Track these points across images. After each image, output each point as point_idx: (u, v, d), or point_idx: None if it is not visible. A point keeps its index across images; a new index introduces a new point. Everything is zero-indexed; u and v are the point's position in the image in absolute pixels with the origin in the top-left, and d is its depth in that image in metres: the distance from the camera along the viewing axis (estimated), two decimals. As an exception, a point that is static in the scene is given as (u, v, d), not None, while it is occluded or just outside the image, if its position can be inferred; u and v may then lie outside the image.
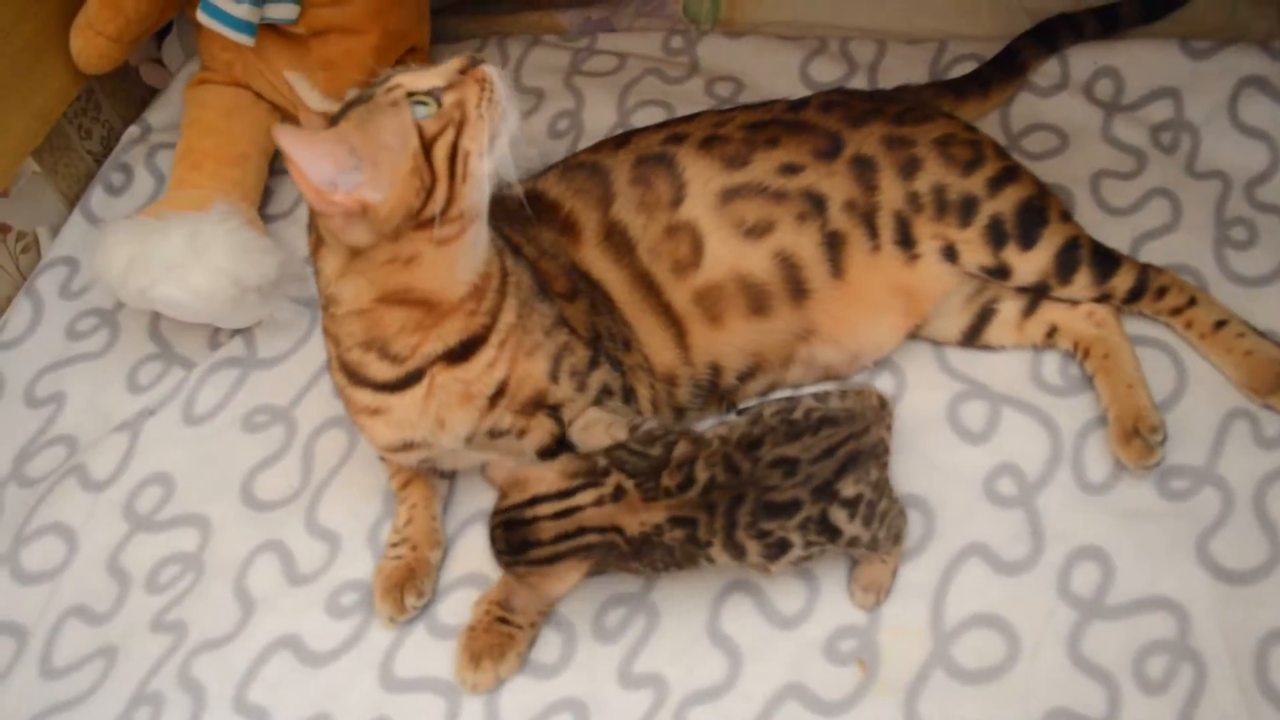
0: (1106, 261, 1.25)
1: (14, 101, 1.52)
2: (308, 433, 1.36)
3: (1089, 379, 1.24)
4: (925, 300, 1.26)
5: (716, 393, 1.25)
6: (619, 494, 1.04)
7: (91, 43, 1.53)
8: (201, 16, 1.48)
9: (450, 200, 1.00)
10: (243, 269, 1.34)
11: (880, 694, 1.08)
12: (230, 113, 1.56)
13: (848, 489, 1.04)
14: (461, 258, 1.05)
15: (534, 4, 1.79)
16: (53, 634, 1.24)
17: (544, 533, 1.02)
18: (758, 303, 1.22)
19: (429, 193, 0.99)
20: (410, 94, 1.00)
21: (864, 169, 1.23)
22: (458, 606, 1.19)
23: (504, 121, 1.02)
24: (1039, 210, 1.24)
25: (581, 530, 1.02)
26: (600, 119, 1.62)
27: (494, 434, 1.13)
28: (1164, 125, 1.46)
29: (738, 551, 1.05)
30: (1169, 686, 1.05)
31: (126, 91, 1.75)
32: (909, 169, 1.23)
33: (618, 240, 1.23)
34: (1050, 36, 1.53)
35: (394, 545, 1.22)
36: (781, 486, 1.04)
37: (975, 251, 1.23)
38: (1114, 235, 1.30)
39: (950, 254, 1.24)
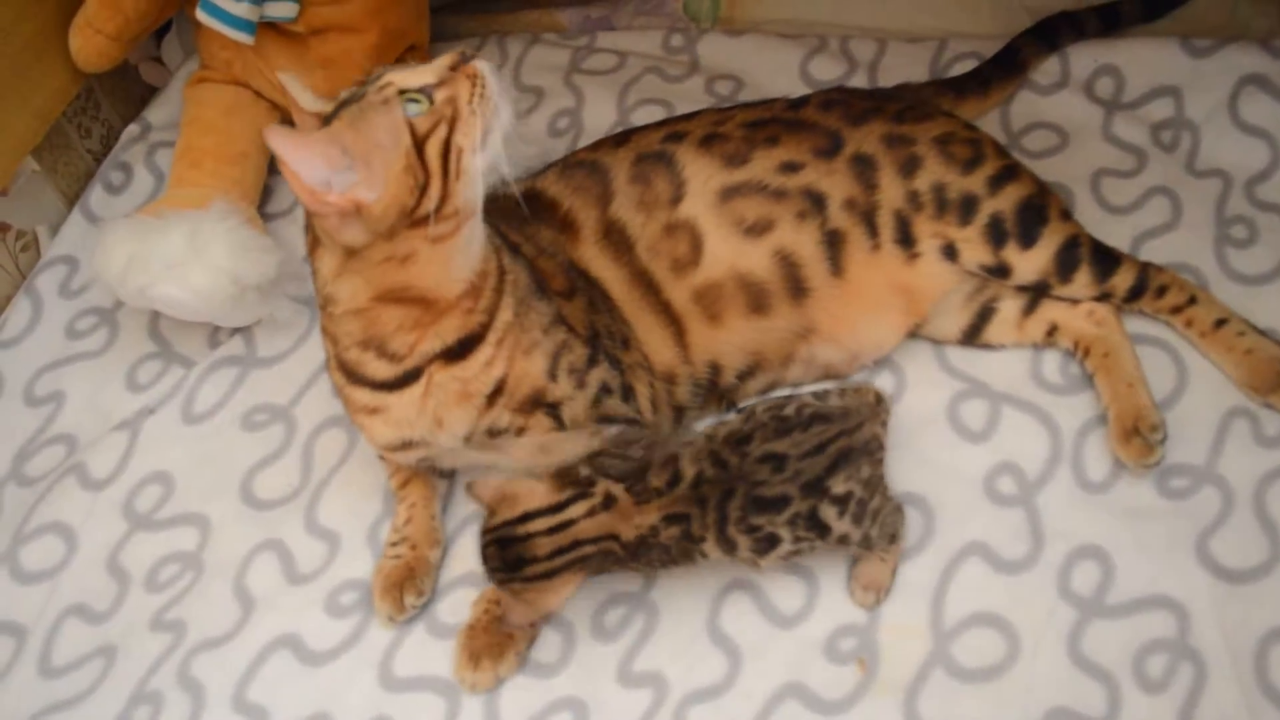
0: (1107, 260, 1.25)
1: (13, 100, 1.52)
2: (307, 432, 1.36)
3: (1089, 378, 1.24)
4: (925, 299, 1.26)
5: (716, 391, 1.25)
6: (610, 502, 1.03)
7: (91, 41, 1.53)
8: (201, 15, 1.48)
9: (444, 197, 1.00)
10: (242, 267, 1.34)
11: (880, 693, 1.08)
12: (230, 111, 1.55)
13: (838, 486, 1.04)
14: (457, 255, 1.05)
15: (533, 2, 1.79)
16: (52, 633, 1.24)
17: (539, 549, 1.01)
18: (757, 301, 1.22)
19: (423, 190, 0.99)
20: (401, 91, 1.00)
21: (864, 167, 1.23)
22: (457, 605, 1.19)
23: (496, 117, 1.02)
24: (1039, 209, 1.24)
25: (577, 543, 1.02)
26: (600, 117, 1.62)
27: (492, 432, 1.13)
28: (1164, 123, 1.46)
29: (729, 547, 1.05)
30: (1169, 686, 1.05)
31: (126, 90, 1.75)
32: (909, 167, 1.23)
33: (617, 238, 1.23)
34: (1051, 35, 1.53)
35: (393, 544, 1.22)
36: (770, 482, 1.04)
37: (975, 250, 1.23)
38: (1114, 234, 1.30)
39: (950, 253, 1.23)
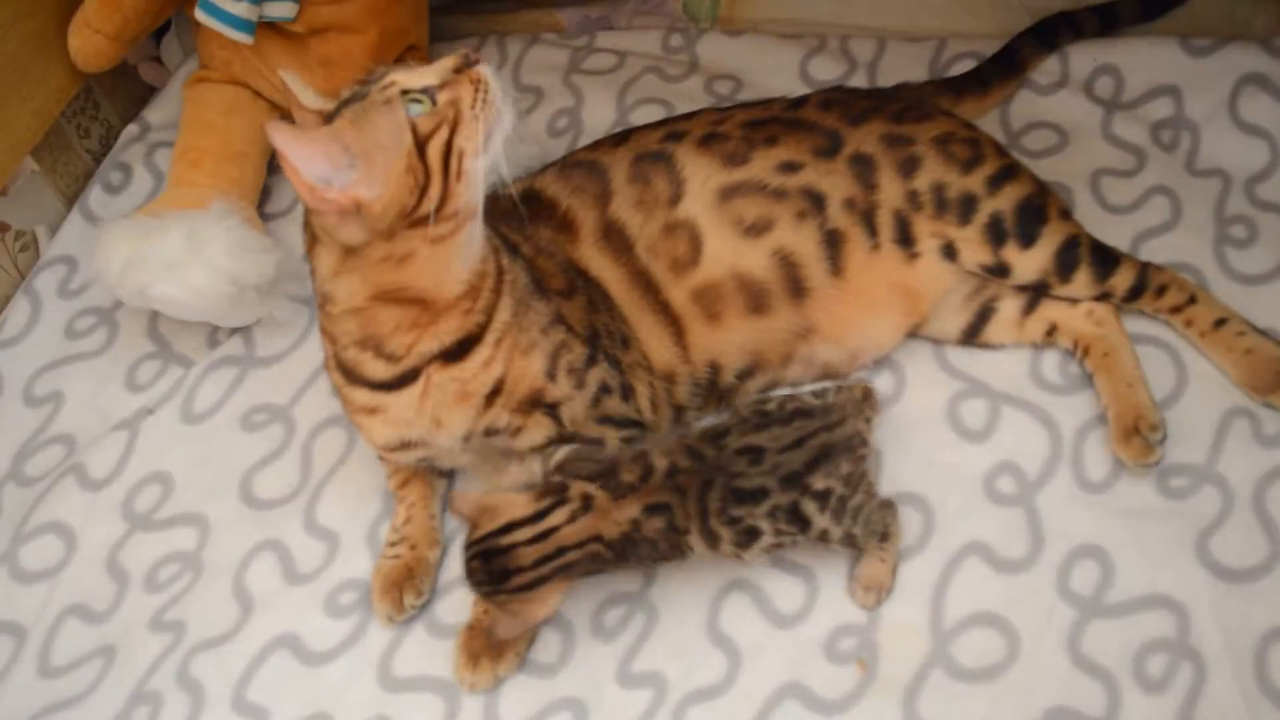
0: (1106, 260, 1.25)
1: (12, 100, 1.52)
2: (306, 431, 1.36)
3: (1089, 377, 1.24)
4: (925, 299, 1.25)
5: (716, 391, 1.25)
6: (588, 503, 1.03)
7: (90, 41, 1.52)
8: (200, 14, 1.48)
9: (444, 198, 1.00)
10: (241, 267, 1.34)
11: (880, 693, 1.08)
12: (229, 111, 1.55)
13: (818, 483, 1.05)
14: (456, 256, 1.05)
15: (533, 2, 1.79)
16: (51, 633, 1.24)
17: (524, 559, 1.02)
18: (756, 301, 1.22)
19: (423, 190, 0.99)
20: (405, 91, 1.00)
21: (863, 167, 1.23)
22: (456, 606, 1.19)
23: (499, 121, 1.02)
24: (1038, 208, 1.24)
25: (561, 550, 1.02)
26: (599, 117, 1.62)
27: (491, 433, 1.13)
28: (1164, 123, 1.46)
29: (712, 539, 1.05)
30: (1169, 685, 1.05)
31: (125, 90, 1.75)
32: (908, 167, 1.23)
33: (616, 238, 1.22)
34: (1050, 34, 1.53)
35: (392, 544, 1.22)
36: (748, 473, 1.05)
37: (975, 250, 1.23)
38: (1114, 233, 1.30)
39: (950, 252, 1.23)
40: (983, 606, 1.11)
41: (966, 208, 1.22)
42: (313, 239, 1.05)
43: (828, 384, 1.20)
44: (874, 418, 1.12)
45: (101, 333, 1.49)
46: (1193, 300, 1.24)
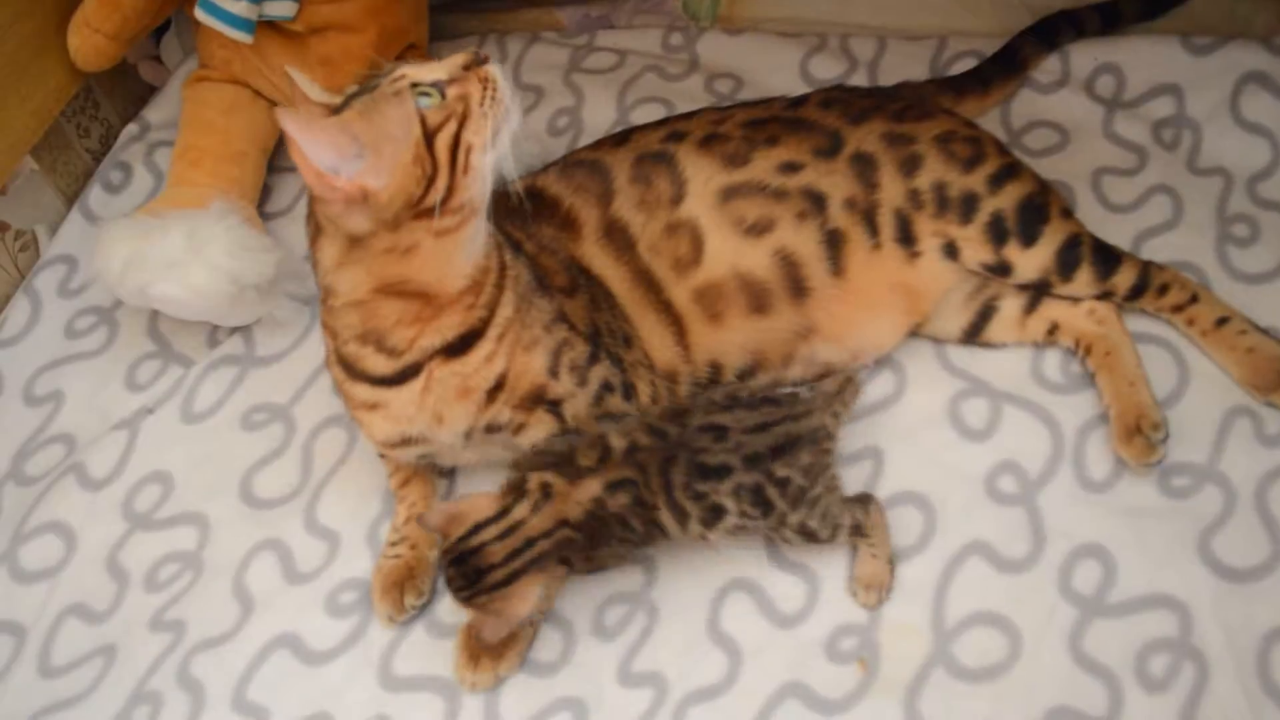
0: (1108, 258, 1.25)
1: (12, 99, 1.51)
2: (307, 431, 1.36)
3: (1090, 376, 1.23)
4: (926, 298, 1.25)
5: (717, 390, 1.25)
6: (547, 491, 1.05)
7: (89, 40, 1.52)
8: (200, 14, 1.48)
9: (451, 191, 1.01)
10: (241, 267, 1.34)
11: (881, 693, 1.08)
12: (229, 110, 1.55)
13: (779, 470, 1.06)
14: (460, 251, 1.05)
15: (533, 1, 1.79)
16: (51, 632, 1.24)
17: (493, 556, 1.03)
18: (758, 301, 1.22)
19: (430, 182, 1.00)
20: (415, 85, 1.01)
21: (864, 166, 1.23)
22: (457, 605, 1.18)
23: (506, 119, 1.03)
24: (1040, 207, 1.24)
25: (529, 542, 1.03)
26: (600, 116, 1.61)
27: (492, 429, 1.12)
28: (1165, 122, 1.46)
29: (681, 515, 1.06)
30: (1171, 685, 1.05)
31: (125, 89, 1.75)
32: (909, 166, 1.23)
33: (618, 237, 1.22)
34: (1051, 33, 1.52)
35: (393, 544, 1.22)
36: (712, 449, 1.06)
37: (976, 249, 1.23)
38: (1115, 232, 1.30)
39: (951, 251, 1.23)
40: (984, 606, 1.11)
41: (968, 207, 1.22)
42: (317, 230, 1.05)
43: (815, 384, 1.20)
44: (844, 413, 1.13)
45: (101, 332, 1.49)
46: (1194, 299, 1.24)
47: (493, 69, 1.04)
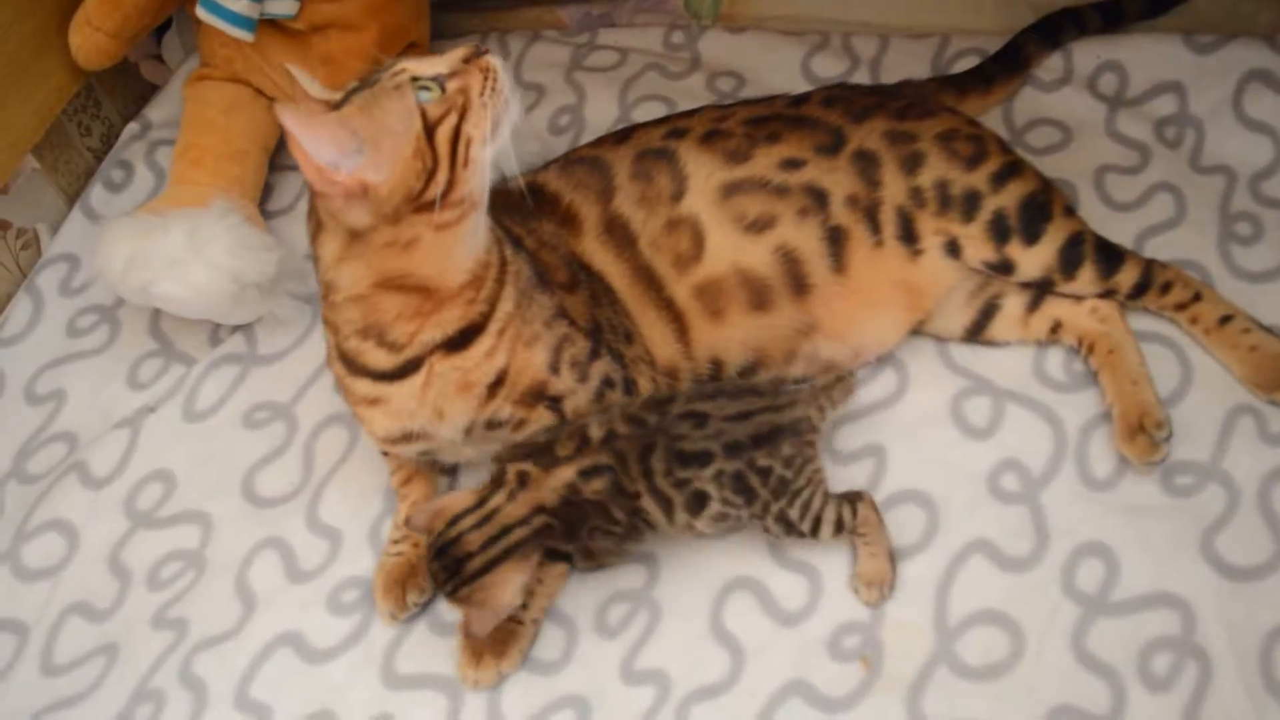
0: (1111, 257, 1.24)
1: (13, 98, 1.51)
2: (309, 429, 1.36)
3: (1093, 375, 1.23)
4: (928, 296, 1.25)
5: (718, 388, 1.25)
6: (524, 479, 1.06)
7: (90, 39, 1.52)
8: (201, 12, 1.48)
9: (451, 185, 1.01)
10: (242, 265, 1.34)
11: (883, 691, 1.08)
12: (230, 109, 1.55)
13: (761, 459, 1.06)
14: (460, 244, 1.05)
15: (535, -1, 1.79)
16: (54, 631, 1.24)
17: (471, 544, 1.03)
18: (759, 298, 1.21)
19: (430, 175, 1.00)
20: (415, 79, 1.01)
21: (866, 164, 1.23)
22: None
23: (506, 111, 1.03)
24: (1042, 205, 1.23)
25: (506, 529, 1.04)
26: (601, 114, 1.61)
27: (493, 425, 1.13)
28: (1168, 120, 1.45)
29: (665, 503, 1.07)
30: (1174, 683, 1.04)
31: (126, 88, 1.75)
32: (911, 164, 1.23)
33: (619, 234, 1.22)
34: (1053, 31, 1.52)
35: (395, 542, 1.22)
36: (691, 436, 1.07)
37: (978, 247, 1.23)
38: (1118, 230, 1.30)
39: (953, 249, 1.23)
40: (987, 604, 1.11)
41: (970, 205, 1.22)
42: (318, 226, 1.05)
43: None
44: (830, 408, 1.13)
45: (103, 331, 1.49)
46: (1197, 297, 1.24)
47: (493, 60, 1.03)
